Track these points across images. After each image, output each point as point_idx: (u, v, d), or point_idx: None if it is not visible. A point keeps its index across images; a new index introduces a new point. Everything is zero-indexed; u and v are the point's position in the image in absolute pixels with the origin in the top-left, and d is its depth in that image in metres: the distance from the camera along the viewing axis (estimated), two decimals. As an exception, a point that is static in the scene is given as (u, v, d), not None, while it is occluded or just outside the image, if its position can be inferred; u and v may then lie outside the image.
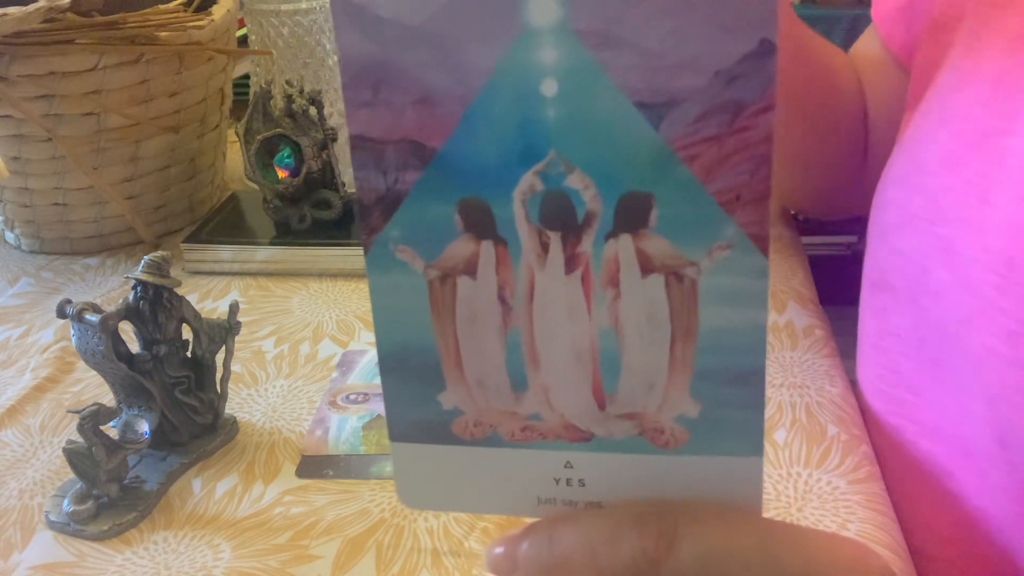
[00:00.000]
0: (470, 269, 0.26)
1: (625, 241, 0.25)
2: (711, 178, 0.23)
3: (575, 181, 0.24)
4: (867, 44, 0.67)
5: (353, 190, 0.76)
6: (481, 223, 0.25)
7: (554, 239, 0.25)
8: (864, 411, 0.55)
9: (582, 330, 0.26)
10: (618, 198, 0.24)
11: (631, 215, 0.24)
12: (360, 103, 0.24)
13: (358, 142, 0.24)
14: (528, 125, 0.24)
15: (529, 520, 0.29)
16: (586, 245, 0.25)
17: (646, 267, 0.25)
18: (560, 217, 0.25)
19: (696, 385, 0.26)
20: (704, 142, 0.23)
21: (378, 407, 0.56)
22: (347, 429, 0.54)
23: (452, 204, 0.25)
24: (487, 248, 0.25)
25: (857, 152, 0.67)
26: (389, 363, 0.27)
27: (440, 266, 0.26)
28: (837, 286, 0.78)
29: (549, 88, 0.23)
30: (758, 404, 0.26)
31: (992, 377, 0.42)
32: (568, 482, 0.28)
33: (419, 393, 0.28)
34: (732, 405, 0.26)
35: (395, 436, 0.29)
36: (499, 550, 0.29)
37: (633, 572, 0.26)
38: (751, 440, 0.26)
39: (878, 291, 0.53)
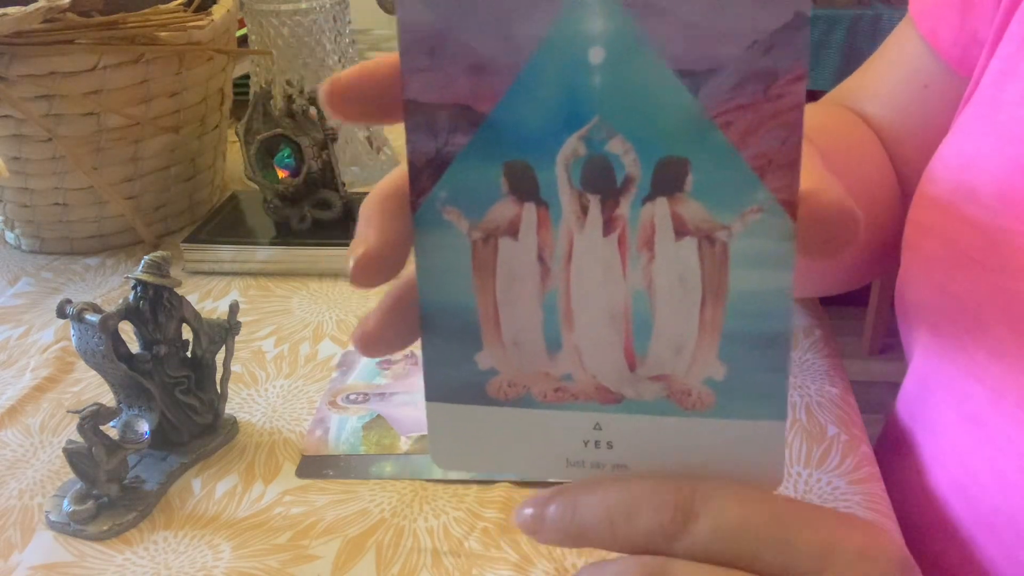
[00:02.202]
0: (512, 230, 0.27)
1: (661, 205, 0.26)
2: (745, 144, 0.24)
3: (616, 146, 0.25)
4: (898, 56, 0.57)
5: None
6: (525, 186, 0.26)
7: (594, 202, 0.26)
8: (898, 429, 0.54)
9: (616, 291, 0.27)
10: (656, 163, 0.25)
11: (668, 179, 0.25)
12: (416, 69, 0.25)
13: (412, 107, 0.25)
14: (574, 92, 0.25)
15: (556, 481, 0.30)
16: (624, 208, 0.26)
17: (680, 230, 0.26)
18: (600, 181, 0.26)
19: (724, 348, 0.27)
20: (739, 109, 0.24)
21: (378, 407, 0.56)
22: (347, 429, 0.54)
23: (498, 167, 0.26)
24: (529, 210, 0.26)
25: (898, 220, 0.55)
26: (430, 323, 0.28)
27: (484, 227, 0.27)
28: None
29: (596, 56, 0.24)
30: (784, 368, 0.27)
31: None
32: (596, 444, 0.29)
33: (457, 353, 0.29)
34: (758, 368, 0.27)
35: (431, 396, 0.29)
36: (528, 511, 0.30)
37: (649, 546, 0.27)
38: (776, 404, 0.27)
39: (924, 328, 0.48)
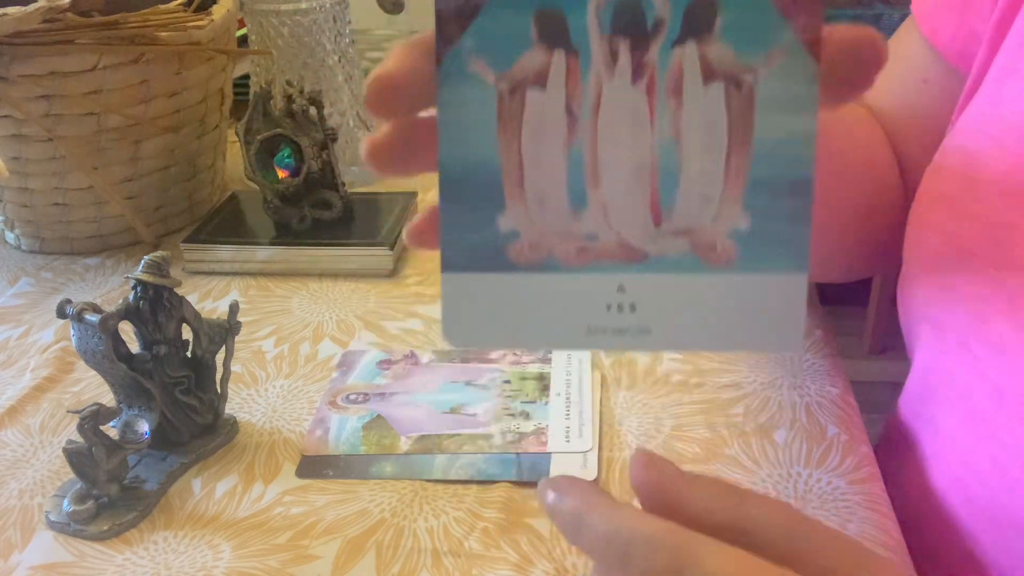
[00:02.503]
0: (540, 80, 0.27)
1: (690, 48, 0.26)
2: None
3: None
4: (901, 52, 0.58)
5: (353, 190, 0.76)
6: (555, 32, 0.26)
7: (623, 47, 0.26)
8: (897, 431, 0.54)
9: (644, 142, 0.27)
10: (686, 5, 0.26)
11: (697, 21, 0.26)
12: None
13: None
14: None
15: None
16: (653, 53, 0.26)
17: (708, 75, 0.26)
18: (631, 25, 0.26)
19: (749, 197, 0.27)
20: None
21: (378, 407, 0.56)
22: (347, 429, 0.54)
23: (528, 14, 0.26)
24: (558, 58, 0.27)
25: (898, 209, 0.56)
26: (451, 182, 0.28)
27: (511, 77, 0.27)
28: (838, 286, 0.78)
29: None
30: (806, 217, 0.27)
31: None
32: (619, 308, 0.29)
33: (478, 215, 0.28)
34: (782, 217, 0.27)
35: (448, 266, 0.29)
36: (550, 496, 0.31)
37: None
38: (798, 254, 0.28)
39: (926, 325, 0.48)
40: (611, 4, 0.26)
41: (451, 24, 0.26)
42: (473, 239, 0.29)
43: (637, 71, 0.27)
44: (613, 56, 0.27)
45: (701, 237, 0.28)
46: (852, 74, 0.26)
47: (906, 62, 0.57)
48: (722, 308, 0.29)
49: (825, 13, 0.25)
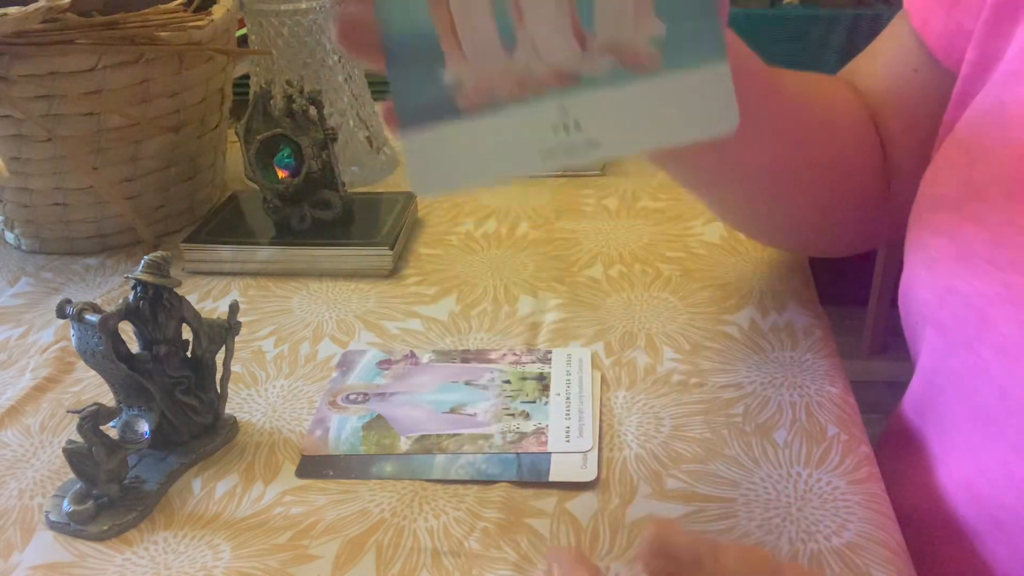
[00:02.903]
0: None
1: None
2: None
3: None
4: (894, 40, 0.59)
5: (353, 190, 0.76)
6: None
7: None
8: (899, 434, 0.54)
9: None
10: None
11: None
12: None
13: None
14: None
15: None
16: None
17: None
18: None
19: (659, 3, 0.31)
20: None
21: (378, 407, 0.56)
22: (347, 429, 0.54)
23: None
24: None
25: (876, 188, 0.59)
26: (394, 51, 0.31)
27: None
28: (838, 286, 0.78)
29: None
30: (714, 10, 0.31)
31: None
32: (565, 128, 0.32)
33: (423, 74, 0.32)
34: (692, 15, 0.30)
35: (404, 124, 0.32)
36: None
37: None
38: (714, 45, 0.31)
39: (926, 325, 0.48)
40: None
41: None
42: (422, 96, 0.32)
43: None
44: None
45: (624, 50, 0.31)
46: None
47: (898, 48, 0.58)
48: (658, 108, 0.32)
49: None
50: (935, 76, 0.54)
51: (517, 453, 0.51)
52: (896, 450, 0.55)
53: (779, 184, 0.57)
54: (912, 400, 0.53)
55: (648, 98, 0.32)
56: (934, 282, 0.46)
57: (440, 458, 0.51)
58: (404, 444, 0.52)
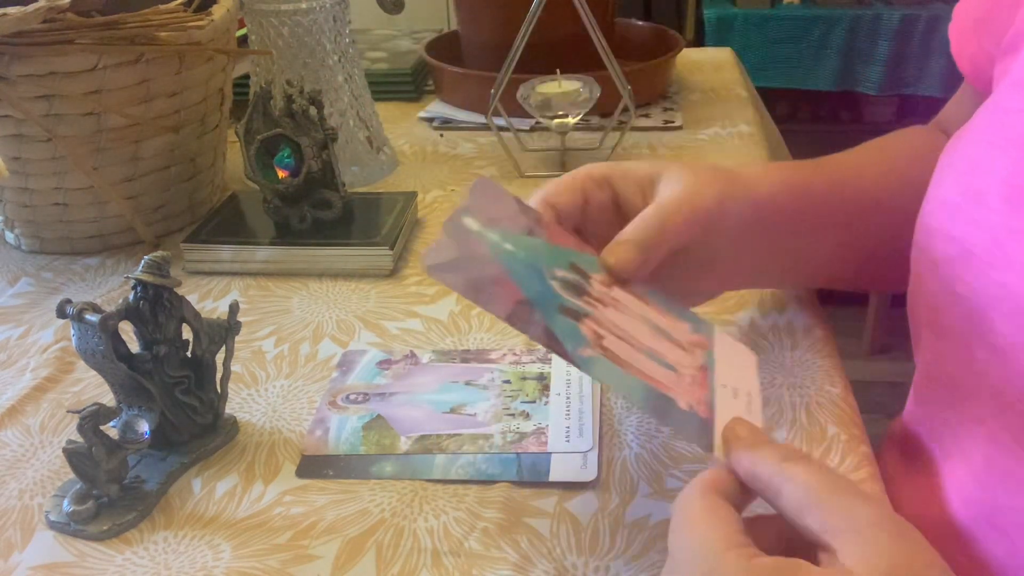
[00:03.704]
0: None
1: None
2: None
3: None
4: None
5: (353, 190, 0.76)
6: None
7: None
8: (903, 440, 0.54)
9: None
10: None
11: None
12: None
13: None
14: None
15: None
16: None
17: None
18: None
19: None
20: None
21: (378, 407, 0.56)
22: (347, 429, 0.54)
23: None
24: None
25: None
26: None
27: None
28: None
29: None
30: None
31: None
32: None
33: None
34: None
35: None
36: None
37: None
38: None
39: (928, 329, 0.49)
40: None
41: None
42: None
43: None
44: None
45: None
46: None
47: (965, 88, 0.62)
48: None
49: None
50: (973, 103, 0.53)
51: (517, 453, 0.51)
52: (895, 455, 0.55)
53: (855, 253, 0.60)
54: (913, 404, 0.53)
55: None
56: (935, 284, 0.47)
57: (440, 458, 0.51)
58: (404, 444, 0.52)
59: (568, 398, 0.55)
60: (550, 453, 0.51)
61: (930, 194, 0.49)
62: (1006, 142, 0.44)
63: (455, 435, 0.53)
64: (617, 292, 0.47)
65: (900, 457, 0.55)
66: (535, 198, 0.49)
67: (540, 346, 0.60)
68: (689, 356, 0.46)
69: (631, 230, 0.48)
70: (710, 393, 0.44)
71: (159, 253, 0.50)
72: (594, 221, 0.51)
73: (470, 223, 0.44)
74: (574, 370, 0.58)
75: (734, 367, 0.47)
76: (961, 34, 0.57)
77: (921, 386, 0.51)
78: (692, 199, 0.49)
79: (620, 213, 0.51)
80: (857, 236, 0.57)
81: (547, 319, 0.42)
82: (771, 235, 0.54)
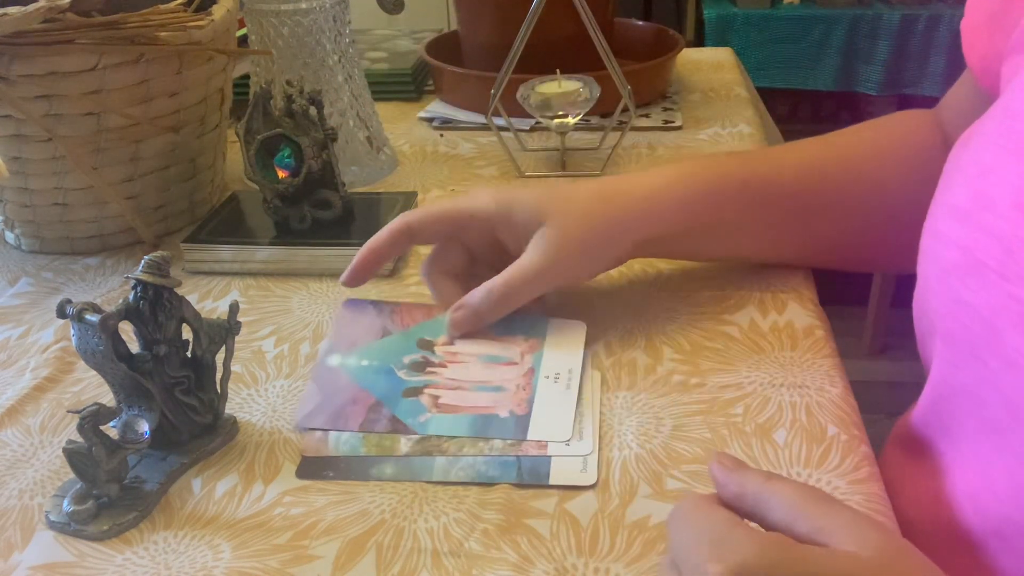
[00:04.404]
0: None
1: None
2: None
3: None
4: (967, 71, 0.62)
5: (353, 190, 0.76)
6: None
7: None
8: (908, 443, 0.54)
9: None
10: None
11: None
12: None
13: None
14: None
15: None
16: None
17: None
18: None
19: None
20: None
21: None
22: (346, 432, 0.54)
23: None
24: None
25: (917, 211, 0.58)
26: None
27: None
28: (837, 286, 0.78)
29: None
30: None
31: None
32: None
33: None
34: None
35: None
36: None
37: None
38: None
39: (936, 336, 0.49)
40: None
41: None
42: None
43: None
44: None
45: None
46: None
47: (962, 78, 0.63)
48: None
49: None
50: (980, 102, 0.54)
51: (517, 456, 0.51)
52: (900, 457, 0.55)
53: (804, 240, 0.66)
54: (921, 410, 0.53)
55: None
56: (944, 292, 0.46)
57: (440, 460, 0.51)
58: (404, 446, 0.52)
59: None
60: (550, 456, 0.51)
61: (937, 198, 0.48)
62: (1017, 146, 0.44)
63: (455, 437, 0.53)
64: (457, 345, 0.58)
65: (905, 459, 0.54)
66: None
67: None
68: (518, 367, 0.56)
69: (475, 298, 0.58)
70: (532, 392, 0.54)
71: (159, 253, 0.50)
72: (484, 259, 0.62)
73: (332, 360, 0.57)
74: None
75: (562, 349, 0.56)
76: (973, 29, 0.56)
77: (935, 390, 0.51)
78: (550, 270, 0.58)
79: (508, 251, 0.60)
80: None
81: (392, 409, 0.53)
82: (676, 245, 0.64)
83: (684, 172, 0.62)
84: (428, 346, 0.59)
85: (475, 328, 0.59)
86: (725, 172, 0.62)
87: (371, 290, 0.68)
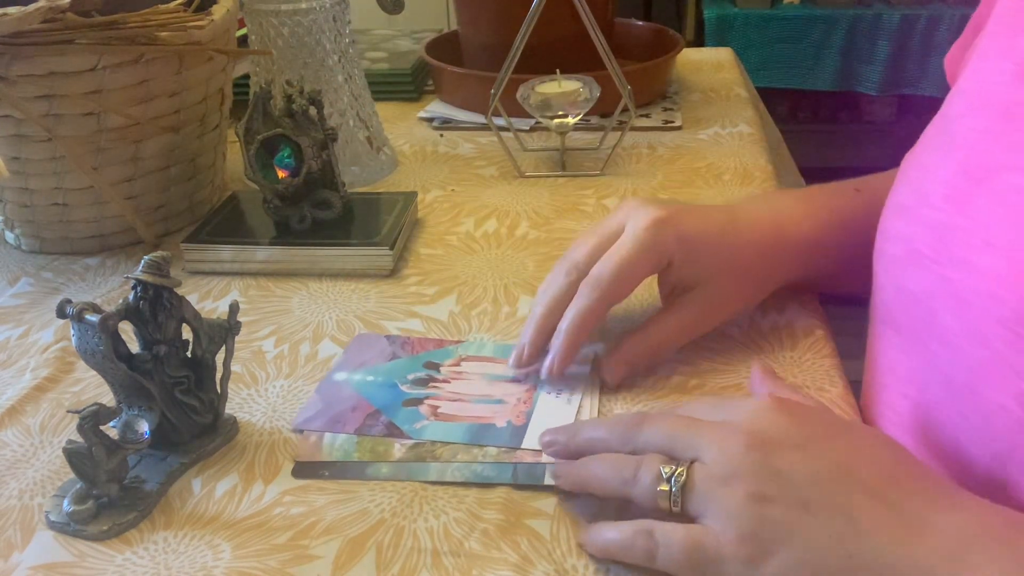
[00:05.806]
0: None
1: None
2: None
3: None
4: None
5: (353, 190, 0.76)
6: None
7: None
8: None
9: None
10: None
11: None
12: None
13: None
14: None
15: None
16: None
17: None
18: None
19: None
20: None
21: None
22: (341, 436, 0.53)
23: None
24: None
25: None
26: None
27: None
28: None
29: None
30: None
31: (1000, 434, 0.41)
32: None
33: None
34: None
35: None
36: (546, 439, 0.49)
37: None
38: None
39: (884, 326, 0.52)
40: None
41: None
42: None
43: None
44: None
45: None
46: None
47: None
48: None
49: None
50: None
51: (513, 463, 0.51)
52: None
53: None
54: (866, 400, 0.56)
55: None
56: (889, 283, 0.50)
57: (434, 466, 0.51)
58: (398, 452, 0.52)
59: (568, 400, 0.55)
60: (545, 464, 0.50)
61: (888, 200, 0.52)
62: (948, 146, 0.48)
63: (449, 443, 0.52)
64: (464, 366, 0.59)
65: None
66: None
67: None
68: (522, 384, 0.57)
69: (628, 350, 0.57)
70: (532, 406, 0.55)
71: (159, 253, 0.50)
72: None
73: (339, 376, 0.58)
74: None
75: (567, 376, 0.57)
76: (953, 63, 0.58)
77: (871, 375, 0.54)
78: (705, 326, 0.59)
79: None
80: None
81: (390, 416, 0.54)
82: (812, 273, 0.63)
83: (835, 217, 0.62)
84: (434, 367, 0.59)
85: (625, 379, 0.57)
86: (867, 212, 0.61)
87: (371, 290, 0.68)
